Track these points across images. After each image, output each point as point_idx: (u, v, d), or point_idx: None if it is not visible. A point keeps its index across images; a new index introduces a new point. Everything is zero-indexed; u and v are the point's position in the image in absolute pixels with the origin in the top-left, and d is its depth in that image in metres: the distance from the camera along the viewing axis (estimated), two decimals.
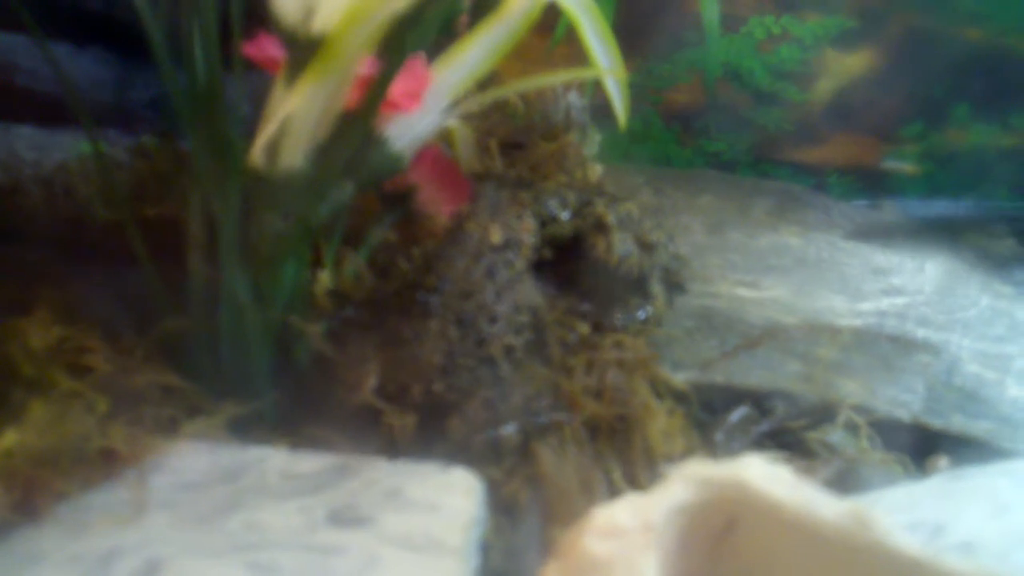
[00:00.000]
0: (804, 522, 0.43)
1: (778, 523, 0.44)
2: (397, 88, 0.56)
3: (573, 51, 1.11)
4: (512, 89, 0.75)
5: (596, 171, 0.89)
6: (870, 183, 1.28)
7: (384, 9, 0.49)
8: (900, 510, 0.55)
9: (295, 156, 0.55)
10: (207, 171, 0.57)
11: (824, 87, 1.26)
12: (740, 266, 0.85)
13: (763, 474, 0.44)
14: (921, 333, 0.76)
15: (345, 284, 0.64)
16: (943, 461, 0.64)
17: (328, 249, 0.64)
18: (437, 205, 0.69)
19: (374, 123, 0.58)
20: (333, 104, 0.54)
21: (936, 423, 0.66)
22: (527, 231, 0.66)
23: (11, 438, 0.54)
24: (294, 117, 0.53)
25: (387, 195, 0.69)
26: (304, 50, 0.52)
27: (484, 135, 0.84)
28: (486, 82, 0.65)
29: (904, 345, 0.74)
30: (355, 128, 0.56)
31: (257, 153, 0.55)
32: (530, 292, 0.64)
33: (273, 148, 0.55)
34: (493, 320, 0.61)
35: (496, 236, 0.63)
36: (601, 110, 0.92)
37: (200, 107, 0.56)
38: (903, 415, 0.66)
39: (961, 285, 0.87)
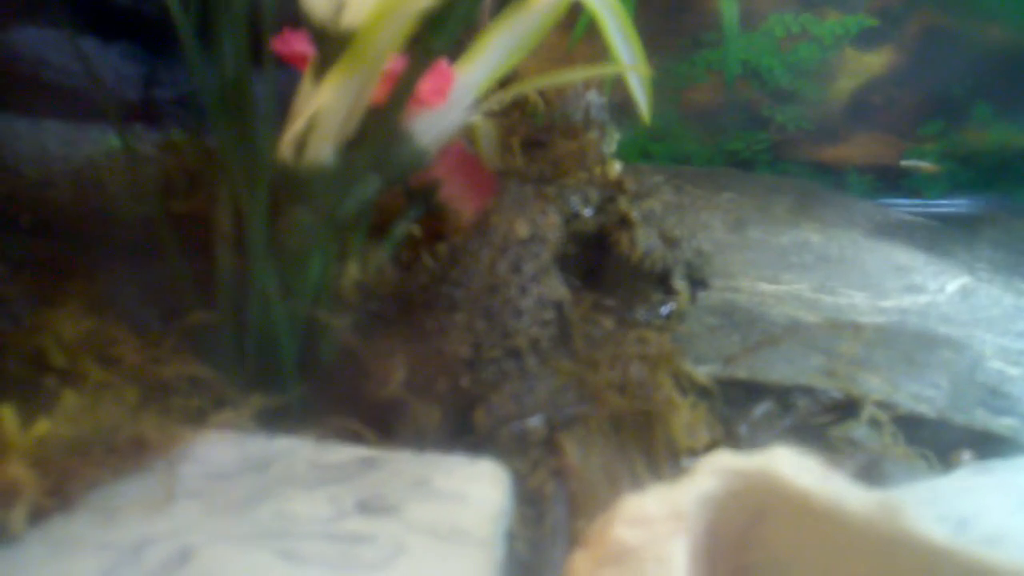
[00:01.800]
0: (833, 513, 0.43)
1: (806, 514, 0.44)
2: (424, 84, 0.57)
3: (593, 49, 1.11)
4: (533, 85, 0.75)
5: (616, 169, 0.90)
6: (889, 181, 1.28)
7: (414, 5, 0.50)
8: (924, 504, 0.55)
9: (323, 151, 0.55)
10: (235, 166, 0.57)
11: (843, 85, 1.26)
12: (762, 263, 0.85)
13: (792, 465, 0.44)
14: (944, 330, 0.76)
15: (369, 278, 0.64)
16: (966, 456, 0.64)
17: (353, 243, 0.65)
18: (461, 201, 0.70)
19: (400, 119, 0.58)
20: (361, 99, 0.54)
21: (959, 419, 0.66)
22: (552, 226, 0.66)
23: (44, 427, 0.55)
24: (322, 112, 0.54)
25: (411, 190, 0.69)
26: (333, 45, 0.53)
27: (505, 132, 0.85)
28: (506, 79, 0.66)
29: (927, 342, 0.74)
30: (382, 123, 0.57)
31: (285, 148, 0.56)
32: (556, 286, 0.64)
33: (301, 143, 0.55)
34: (519, 314, 0.61)
35: (522, 230, 0.64)
36: (620, 108, 0.92)
37: (229, 102, 0.57)
38: (927, 411, 0.66)
39: (983, 283, 0.87)
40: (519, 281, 0.61)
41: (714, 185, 1.09)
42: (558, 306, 0.64)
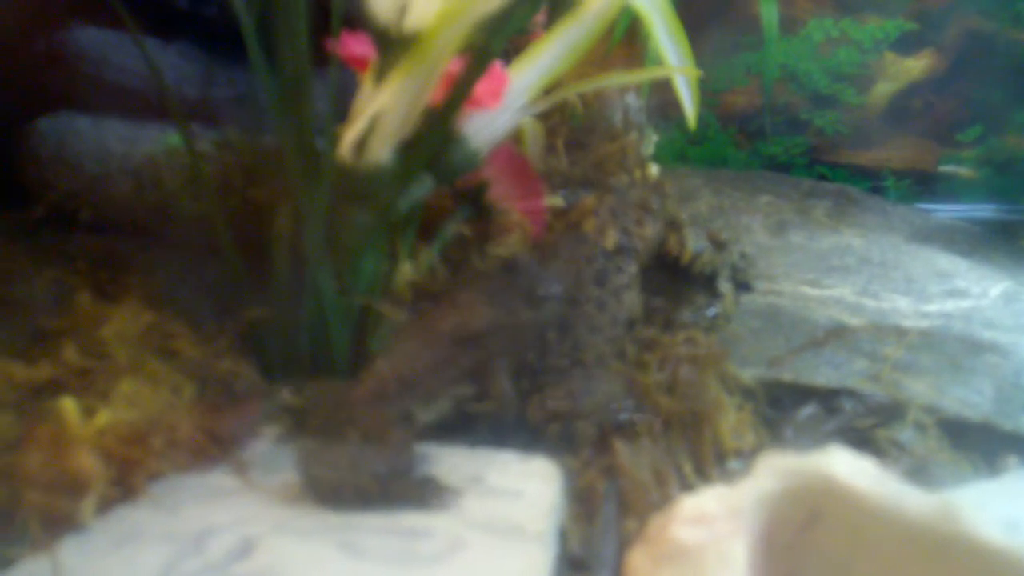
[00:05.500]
0: (890, 514, 0.44)
1: (863, 514, 0.44)
2: (480, 87, 0.58)
3: (630, 51, 1.11)
4: (578, 89, 0.76)
5: (654, 171, 0.90)
6: (927, 186, 1.28)
7: (477, 9, 0.51)
8: (974, 507, 0.55)
9: (382, 151, 0.56)
10: (295, 165, 0.58)
11: (882, 90, 1.26)
12: (803, 266, 0.86)
13: (848, 466, 0.45)
14: (988, 335, 0.76)
15: (421, 277, 0.65)
16: (1012, 460, 0.64)
17: (404, 242, 0.66)
18: (509, 201, 0.70)
19: (455, 120, 0.59)
20: (420, 100, 0.55)
21: (1005, 424, 0.66)
22: (645, 237, 0.66)
23: (104, 417, 0.56)
24: (383, 112, 0.55)
25: (460, 191, 0.70)
26: (396, 47, 0.54)
27: (548, 134, 0.85)
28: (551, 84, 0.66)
29: (971, 346, 0.74)
30: (438, 124, 0.58)
31: (345, 148, 0.57)
32: (633, 304, 0.63)
33: (361, 143, 0.56)
34: (593, 330, 0.61)
35: (611, 241, 0.64)
36: (656, 111, 0.93)
37: (289, 101, 0.58)
38: (972, 415, 0.67)
39: None
40: (599, 295, 0.61)
41: (752, 188, 1.09)
42: (630, 324, 0.64)
